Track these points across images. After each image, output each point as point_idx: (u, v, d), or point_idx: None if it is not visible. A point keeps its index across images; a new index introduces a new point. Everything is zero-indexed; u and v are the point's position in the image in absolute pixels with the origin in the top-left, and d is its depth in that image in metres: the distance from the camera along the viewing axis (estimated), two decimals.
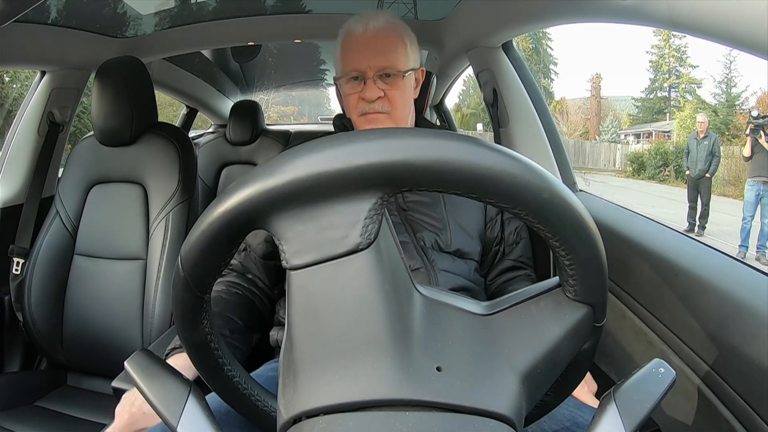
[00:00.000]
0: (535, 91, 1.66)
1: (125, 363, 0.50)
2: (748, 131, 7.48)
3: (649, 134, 27.74)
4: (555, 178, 0.40)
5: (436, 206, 1.11)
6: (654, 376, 0.47)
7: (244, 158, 3.02)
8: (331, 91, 4.03)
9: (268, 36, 2.25)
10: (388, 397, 0.37)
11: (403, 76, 1.11)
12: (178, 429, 0.45)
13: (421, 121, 1.28)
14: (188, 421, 0.45)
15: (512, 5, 1.38)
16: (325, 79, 3.95)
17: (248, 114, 3.00)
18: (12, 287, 1.71)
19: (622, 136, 30.57)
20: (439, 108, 3.22)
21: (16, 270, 1.71)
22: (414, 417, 0.35)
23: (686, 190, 9.76)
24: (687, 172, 9.60)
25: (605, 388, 0.47)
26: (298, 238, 0.38)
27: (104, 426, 0.89)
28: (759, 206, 7.41)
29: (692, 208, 9.40)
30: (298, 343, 0.39)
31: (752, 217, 7.45)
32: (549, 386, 0.48)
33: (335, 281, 0.38)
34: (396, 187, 0.38)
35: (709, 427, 0.81)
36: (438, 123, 3.38)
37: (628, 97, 34.02)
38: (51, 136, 1.91)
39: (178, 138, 1.69)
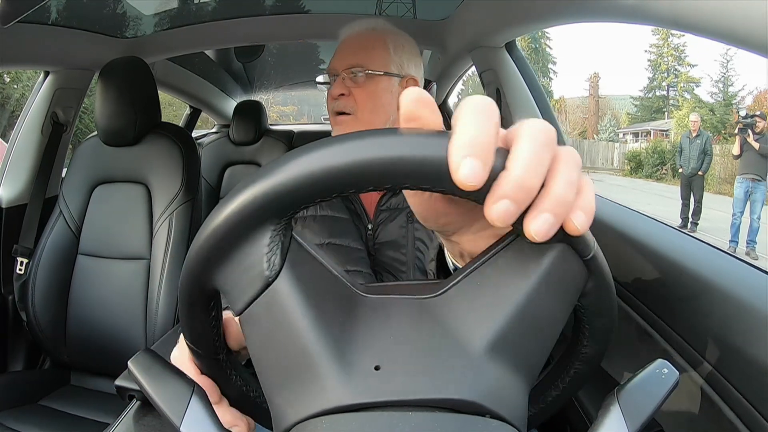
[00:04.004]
0: (539, 91, 1.65)
1: (129, 363, 0.50)
2: (737, 130, 7.95)
3: (648, 133, 27.93)
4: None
5: (401, 246, 1.08)
6: (657, 377, 0.46)
7: (248, 158, 3.02)
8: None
9: (272, 36, 2.25)
10: (332, 406, 0.37)
11: (375, 77, 1.07)
12: (181, 429, 0.45)
13: None
14: (191, 421, 0.45)
15: (515, 5, 1.38)
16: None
17: (251, 114, 3.01)
18: (16, 287, 1.72)
19: (621, 135, 30.90)
20: (443, 108, 3.22)
21: (20, 270, 1.72)
22: (417, 417, 0.35)
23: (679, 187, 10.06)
24: (680, 170, 9.96)
25: (608, 388, 0.47)
26: (232, 286, 0.41)
27: (107, 425, 0.89)
28: (748, 203, 7.75)
29: (685, 205, 9.73)
30: (261, 373, 0.42)
31: (741, 213, 7.83)
32: (548, 351, 0.43)
33: (266, 317, 0.40)
34: (283, 213, 0.39)
35: (712, 428, 0.80)
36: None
37: (626, 96, 34.30)
38: (54, 136, 1.91)
39: (181, 138, 1.69)
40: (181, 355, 0.54)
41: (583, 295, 0.43)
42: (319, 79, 1.19)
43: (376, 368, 0.38)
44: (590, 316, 0.46)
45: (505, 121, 1.65)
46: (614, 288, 0.45)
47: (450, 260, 0.61)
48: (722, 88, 28.45)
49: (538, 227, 0.34)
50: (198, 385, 0.48)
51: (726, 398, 0.77)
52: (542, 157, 0.34)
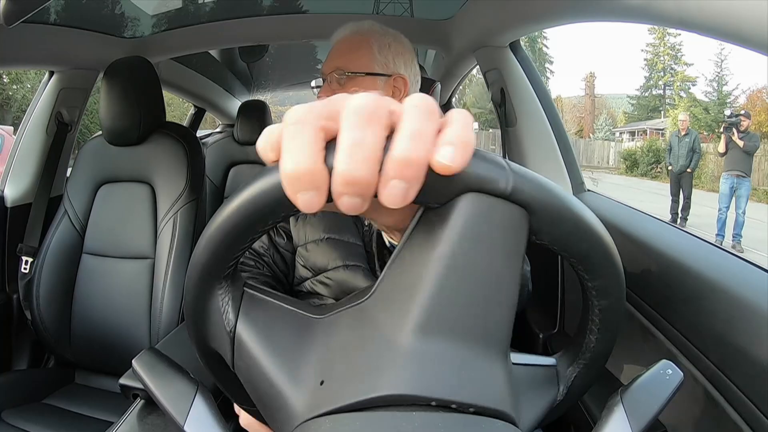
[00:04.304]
0: (543, 91, 1.65)
1: (133, 361, 0.50)
2: (722, 129, 8.31)
3: (644, 132, 28.03)
4: None
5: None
6: (662, 378, 0.46)
7: (252, 158, 3.01)
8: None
9: (276, 36, 2.25)
10: (297, 424, 0.38)
11: (357, 78, 1.08)
12: (185, 428, 0.45)
13: None
14: (195, 420, 0.45)
15: (520, 4, 1.38)
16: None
17: (256, 113, 3.01)
18: (21, 286, 1.72)
19: (617, 134, 31.06)
20: (447, 108, 3.21)
21: (25, 268, 1.72)
22: (420, 417, 0.35)
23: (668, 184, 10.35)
24: (669, 168, 10.20)
25: (612, 389, 0.47)
26: (216, 344, 0.45)
27: (112, 423, 0.89)
28: (734, 198, 8.03)
29: (675, 201, 9.90)
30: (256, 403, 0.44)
31: (727, 208, 8.14)
32: (508, 309, 0.40)
33: (241, 362, 0.43)
34: (217, 274, 0.43)
35: (716, 429, 0.80)
36: None
37: (623, 95, 34.49)
38: (59, 136, 1.92)
39: (185, 138, 1.70)
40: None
41: (538, 235, 0.40)
42: (313, 83, 1.21)
43: (321, 383, 0.39)
44: (571, 252, 0.42)
45: (510, 121, 1.65)
46: (586, 215, 0.40)
47: (387, 240, 0.64)
48: (717, 87, 28.80)
49: (388, 196, 0.32)
50: (202, 385, 0.48)
51: (730, 399, 0.76)
52: (367, 131, 0.32)
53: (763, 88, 24.63)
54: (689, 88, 30.45)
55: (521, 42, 1.66)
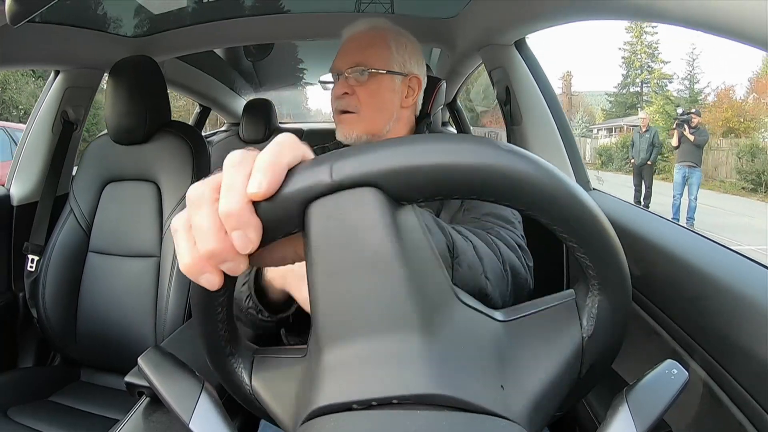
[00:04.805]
0: (549, 89, 1.65)
1: (139, 359, 0.50)
2: (674, 125, 9.73)
3: (621, 128, 28.44)
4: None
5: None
6: (667, 377, 0.46)
7: None
8: (309, 90, 4.05)
9: (281, 35, 2.26)
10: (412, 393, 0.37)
11: (378, 76, 1.08)
12: (190, 425, 0.45)
13: (421, 129, 1.21)
14: (200, 418, 0.45)
15: (525, 2, 1.37)
16: (303, 78, 3.91)
17: (261, 112, 3.01)
18: (26, 284, 1.73)
19: (594, 131, 31.59)
20: (452, 106, 3.21)
21: (31, 267, 1.73)
22: (424, 416, 0.35)
23: (632, 176, 11.56)
24: (632, 161, 11.40)
25: (617, 388, 0.47)
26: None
27: (117, 421, 0.90)
28: (686, 186, 9.32)
29: (637, 191, 10.98)
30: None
31: (680, 194, 9.46)
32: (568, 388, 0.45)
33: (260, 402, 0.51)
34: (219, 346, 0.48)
35: (721, 429, 0.80)
36: (450, 121, 3.37)
37: (602, 93, 34.68)
38: (65, 135, 1.93)
39: (191, 136, 1.70)
40: None
41: (413, 198, 0.40)
42: (323, 78, 1.20)
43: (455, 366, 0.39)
44: (542, 216, 0.40)
45: (515, 120, 1.64)
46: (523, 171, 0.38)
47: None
48: (688, 86, 29.86)
49: (237, 247, 0.39)
50: (207, 383, 0.48)
51: (735, 399, 0.76)
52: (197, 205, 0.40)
53: (731, 86, 26.20)
54: (666, 86, 31.10)
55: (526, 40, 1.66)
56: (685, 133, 9.21)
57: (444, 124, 3.42)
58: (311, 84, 4.05)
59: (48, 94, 1.91)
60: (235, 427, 0.46)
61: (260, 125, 2.98)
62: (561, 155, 1.56)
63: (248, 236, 0.38)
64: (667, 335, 0.95)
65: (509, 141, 1.71)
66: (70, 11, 1.64)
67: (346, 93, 1.09)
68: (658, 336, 0.98)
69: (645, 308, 1.03)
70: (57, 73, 1.90)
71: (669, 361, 0.48)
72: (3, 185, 1.90)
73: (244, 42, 2.42)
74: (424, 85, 1.16)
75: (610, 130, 29.60)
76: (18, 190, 1.86)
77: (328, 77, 1.16)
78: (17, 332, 1.78)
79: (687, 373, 0.47)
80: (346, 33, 1.15)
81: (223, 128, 3.88)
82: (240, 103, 3.62)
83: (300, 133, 3.18)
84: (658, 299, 0.99)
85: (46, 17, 1.55)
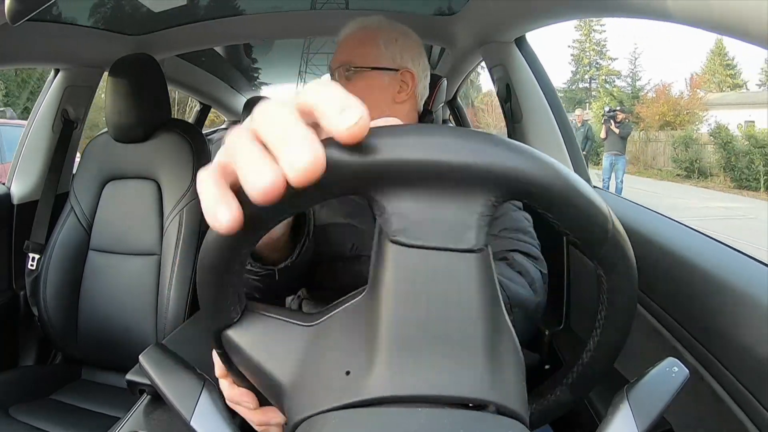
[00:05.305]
0: (549, 87, 1.64)
1: (140, 357, 0.50)
2: (603, 120, 11.50)
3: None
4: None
5: None
6: (667, 375, 0.46)
7: None
8: (264, 90, 4.02)
9: (281, 33, 2.26)
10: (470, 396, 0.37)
11: (364, 73, 1.08)
12: (191, 423, 0.45)
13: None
14: (201, 415, 0.45)
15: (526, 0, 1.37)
16: (257, 78, 3.91)
17: None
18: (27, 282, 1.73)
19: None
20: (452, 104, 3.20)
21: (32, 265, 1.73)
22: (425, 414, 0.35)
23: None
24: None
25: (618, 386, 0.47)
26: (408, 216, 0.38)
27: (118, 419, 0.90)
28: (613, 171, 11.22)
29: None
30: (389, 322, 0.39)
31: (609, 178, 11.30)
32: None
33: (449, 274, 0.38)
34: (507, 195, 0.38)
35: (722, 427, 0.80)
36: (450, 119, 3.36)
37: None
38: (65, 134, 1.93)
39: (191, 134, 1.70)
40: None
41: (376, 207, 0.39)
42: (323, 78, 1.20)
43: (347, 373, 0.38)
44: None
45: (516, 117, 1.64)
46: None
47: None
48: (630, 83, 32.38)
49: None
50: (208, 380, 0.48)
51: (735, 397, 0.76)
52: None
53: (668, 84, 28.47)
54: (614, 81, 32.85)
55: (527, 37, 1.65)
56: (611, 127, 10.95)
57: (444, 121, 3.42)
58: (265, 84, 4.04)
59: (48, 93, 1.91)
60: (236, 425, 0.46)
61: None
62: (562, 152, 1.56)
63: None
64: (668, 333, 0.95)
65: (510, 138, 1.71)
66: (69, 9, 1.64)
67: None
68: (659, 334, 0.98)
69: (646, 306, 1.03)
70: (57, 71, 1.90)
71: (670, 358, 0.48)
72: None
73: (244, 39, 2.42)
74: (420, 80, 1.15)
75: None
76: (18, 189, 1.86)
77: (328, 77, 1.17)
78: (18, 331, 1.78)
79: (687, 371, 0.47)
80: (341, 34, 1.16)
81: (223, 126, 3.88)
82: (240, 100, 3.62)
83: None
84: (659, 297, 0.99)
85: (45, 15, 1.54)
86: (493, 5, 1.56)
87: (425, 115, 1.21)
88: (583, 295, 1.35)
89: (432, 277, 0.38)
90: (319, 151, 0.30)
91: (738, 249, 0.92)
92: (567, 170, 0.39)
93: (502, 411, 0.37)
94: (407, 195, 0.37)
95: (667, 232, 1.07)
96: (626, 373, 0.99)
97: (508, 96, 1.67)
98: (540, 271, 0.91)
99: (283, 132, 0.31)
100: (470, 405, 0.37)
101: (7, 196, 1.84)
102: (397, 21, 1.16)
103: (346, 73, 1.08)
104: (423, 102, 1.19)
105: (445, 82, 1.39)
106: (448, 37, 2.01)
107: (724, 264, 0.88)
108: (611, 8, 1.05)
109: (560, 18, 1.33)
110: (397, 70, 1.10)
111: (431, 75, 1.23)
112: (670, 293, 0.96)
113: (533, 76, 1.63)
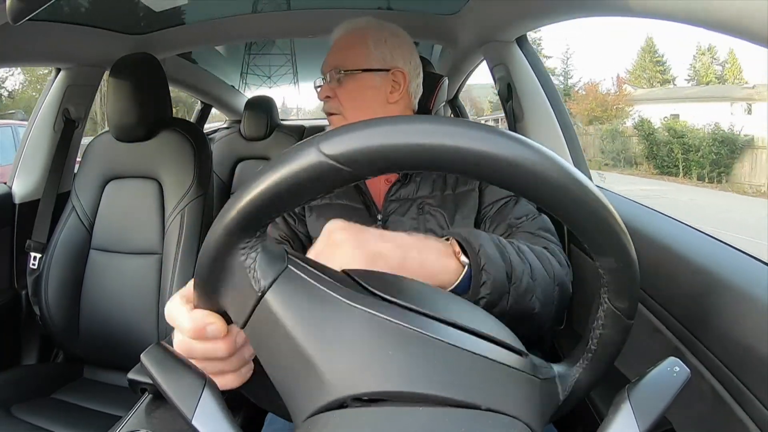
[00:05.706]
0: (550, 86, 1.64)
1: (141, 356, 0.50)
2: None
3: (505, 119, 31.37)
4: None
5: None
6: (669, 375, 0.46)
7: (259, 153, 3.01)
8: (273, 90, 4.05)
9: (281, 32, 2.26)
10: (331, 399, 0.38)
11: (354, 75, 1.08)
12: (192, 422, 0.45)
13: None
14: (203, 414, 0.45)
15: None
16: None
17: (262, 109, 3.00)
18: (29, 281, 1.73)
19: (482, 122, 34.05)
20: (453, 103, 3.20)
21: (33, 264, 1.73)
22: (426, 413, 0.35)
23: None
24: None
25: (619, 385, 0.47)
26: (231, 306, 0.45)
27: (120, 418, 0.90)
28: None
29: None
30: (272, 375, 0.45)
31: None
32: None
33: (265, 328, 0.43)
34: (252, 230, 0.41)
35: (723, 427, 0.80)
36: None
37: (489, 86, 35.43)
38: (66, 133, 1.93)
39: (192, 133, 1.70)
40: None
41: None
42: (316, 82, 1.20)
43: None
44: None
45: (517, 117, 1.64)
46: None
47: None
48: (563, 81, 34.26)
49: None
50: (210, 379, 0.48)
51: (736, 396, 0.76)
52: None
53: (596, 82, 32.41)
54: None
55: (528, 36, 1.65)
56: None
57: None
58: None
59: (49, 92, 1.91)
60: (238, 424, 0.46)
61: (262, 122, 2.97)
62: (563, 152, 1.56)
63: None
64: (669, 332, 0.95)
65: None
66: (70, 9, 1.64)
67: (329, 96, 1.10)
68: (660, 333, 0.97)
69: (647, 305, 1.02)
70: (58, 71, 1.90)
71: (671, 358, 0.48)
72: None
73: (245, 39, 2.42)
74: (412, 78, 1.14)
75: (496, 120, 31.52)
76: (20, 188, 1.86)
77: (320, 81, 1.16)
78: (20, 330, 1.79)
79: (689, 371, 0.47)
80: (332, 37, 1.16)
81: (224, 125, 3.88)
82: (241, 99, 3.62)
83: (301, 131, 3.17)
84: (661, 296, 0.99)
85: (46, 15, 1.55)
86: (494, 5, 1.55)
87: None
88: (585, 294, 1.35)
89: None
90: None
91: (739, 249, 0.92)
92: (568, 164, 0.39)
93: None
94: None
95: (668, 231, 1.07)
96: (627, 372, 0.99)
97: (509, 95, 1.67)
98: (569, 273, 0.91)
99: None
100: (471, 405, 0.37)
101: (9, 195, 1.84)
102: (397, 21, 1.16)
103: (337, 77, 1.09)
104: (417, 100, 1.18)
105: (446, 81, 1.39)
106: (449, 36, 2.00)
107: (726, 263, 0.87)
108: (611, 8, 1.05)
109: (561, 17, 1.33)
110: (387, 70, 1.10)
111: (432, 74, 1.23)
112: (671, 292, 0.96)
113: (534, 76, 1.63)
